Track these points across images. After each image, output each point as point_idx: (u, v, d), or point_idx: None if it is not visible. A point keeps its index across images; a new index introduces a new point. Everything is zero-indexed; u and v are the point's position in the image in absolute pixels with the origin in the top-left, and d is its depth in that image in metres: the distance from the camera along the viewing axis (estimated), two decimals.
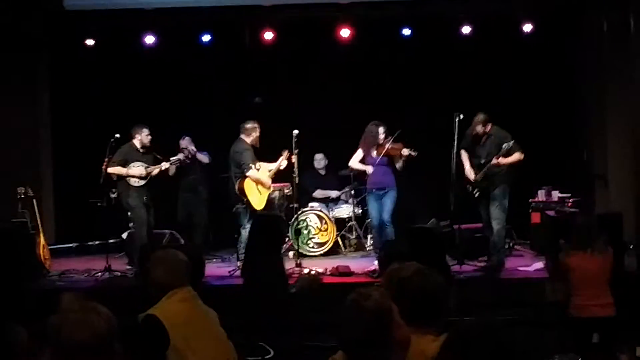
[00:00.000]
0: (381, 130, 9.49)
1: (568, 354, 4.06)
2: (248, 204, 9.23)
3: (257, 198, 9.33)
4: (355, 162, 9.74)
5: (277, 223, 7.17)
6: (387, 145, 9.41)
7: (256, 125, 9.40)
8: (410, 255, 5.47)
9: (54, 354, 2.64)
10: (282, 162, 9.53)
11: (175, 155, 9.74)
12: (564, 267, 6.28)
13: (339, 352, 3.03)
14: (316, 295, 6.71)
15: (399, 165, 9.47)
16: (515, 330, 5.60)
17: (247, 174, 9.18)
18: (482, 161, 8.63)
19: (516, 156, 8.53)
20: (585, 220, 6.84)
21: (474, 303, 7.20)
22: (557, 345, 6.06)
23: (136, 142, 9.24)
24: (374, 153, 9.53)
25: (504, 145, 8.44)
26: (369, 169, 9.51)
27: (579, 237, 6.33)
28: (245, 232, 9.13)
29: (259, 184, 9.35)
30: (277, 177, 9.80)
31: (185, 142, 10.19)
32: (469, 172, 8.73)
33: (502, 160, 8.49)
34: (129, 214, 9.55)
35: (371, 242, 10.27)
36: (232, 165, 9.32)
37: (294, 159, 9.43)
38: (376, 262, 9.20)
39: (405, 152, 9.33)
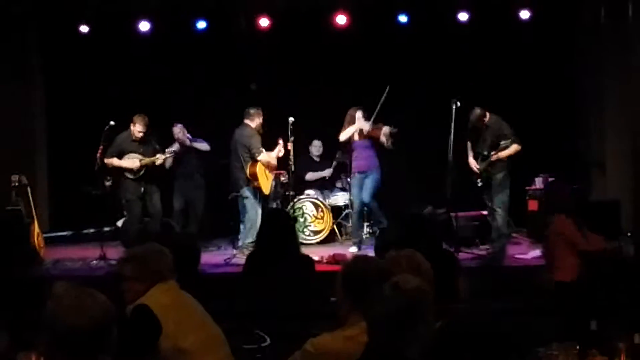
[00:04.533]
0: (359, 114, 9.47)
1: (566, 342, 4.02)
2: (259, 188, 9.18)
3: (266, 183, 9.31)
4: (342, 136, 9.65)
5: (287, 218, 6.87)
6: (366, 128, 9.37)
7: (260, 111, 9.36)
8: (405, 242, 5.41)
9: (49, 341, 2.59)
10: (280, 151, 9.48)
11: (170, 143, 9.69)
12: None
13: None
14: None
15: (387, 144, 9.42)
16: (511, 318, 5.58)
17: (258, 158, 9.12)
18: (485, 153, 8.62)
19: (514, 148, 8.54)
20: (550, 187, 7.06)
21: (472, 291, 7.19)
22: (555, 333, 6.04)
23: (133, 131, 9.16)
24: (356, 137, 9.51)
25: (501, 143, 8.48)
26: (358, 126, 9.44)
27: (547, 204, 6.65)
28: (252, 219, 9.13)
29: (267, 169, 9.33)
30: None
31: (178, 130, 10.05)
32: (472, 163, 8.70)
33: (502, 155, 8.52)
34: (123, 202, 9.51)
35: (367, 229, 10.21)
36: (240, 150, 9.20)
37: (290, 146, 9.39)
38: (352, 250, 9.19)
39: (387, 130, 9.34)
